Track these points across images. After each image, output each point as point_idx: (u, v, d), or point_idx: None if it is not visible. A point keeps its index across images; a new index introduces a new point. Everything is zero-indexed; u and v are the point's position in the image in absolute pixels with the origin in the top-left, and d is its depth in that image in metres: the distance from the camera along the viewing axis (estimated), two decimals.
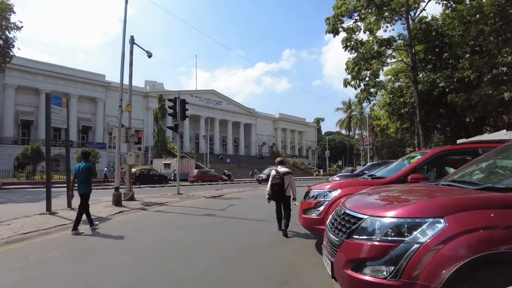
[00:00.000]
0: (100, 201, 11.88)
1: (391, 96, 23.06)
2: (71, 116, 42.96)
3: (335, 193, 4.77)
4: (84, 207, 6.80)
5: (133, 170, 33.17)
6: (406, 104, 22.14)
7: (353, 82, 17.61)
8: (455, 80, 18.95)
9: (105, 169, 33.07)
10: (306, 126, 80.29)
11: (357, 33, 17.51)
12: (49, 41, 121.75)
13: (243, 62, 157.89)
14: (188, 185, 28.62)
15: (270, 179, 6.53)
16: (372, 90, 18.70)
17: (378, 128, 62.01)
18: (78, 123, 44.41)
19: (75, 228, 6.46)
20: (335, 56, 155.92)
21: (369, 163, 15.54)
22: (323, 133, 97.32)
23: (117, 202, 10.80)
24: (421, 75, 21.21)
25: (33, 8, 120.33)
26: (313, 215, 4.82)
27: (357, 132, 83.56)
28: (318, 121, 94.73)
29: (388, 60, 22.79)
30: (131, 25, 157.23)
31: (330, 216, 3.16)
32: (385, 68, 23.64)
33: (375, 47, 17.34)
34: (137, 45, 13.67)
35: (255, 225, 7.56)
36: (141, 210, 10.13)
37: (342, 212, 2.80)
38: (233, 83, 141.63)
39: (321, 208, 4.74)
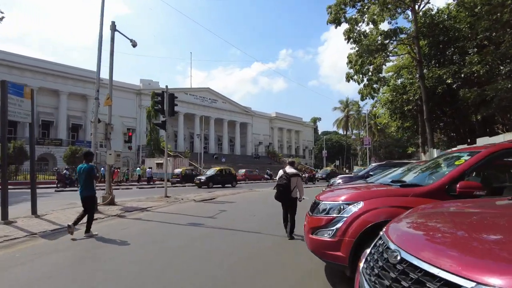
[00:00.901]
0: (76, 205, 10.56)
1: (394, 93, 21.92)
2: (60, 113, 42.10)
3: (355, 208, 3.48)
4: (90, 211, 6.55)
5: (179, 170, 33.82)
6: (410, 101, 20.99)
7: (356, 76, 16.39)
8: (462, 76, 17.76)
9: (102, 168, 31.57)
10: (303, 125, 79.14)
11: (360, 25, 16.31)
12: (48, 40, 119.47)
13: (239, 62, 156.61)
14: (180, 186, 27.31)
15: (277, 179, 6.50)
16: (375, 85, 17.48)
17: (378, 127, 61.05)
18: (68, 120, 42.90)
19: (87, 231, 6.45)
20: (331, 55, 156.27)
21: (373, 164, 14.33)
22: (319, 133, 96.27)
23: None
24: (425, 71, 20.08)
25: (33, 7, 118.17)
26: (326, 236, 3.53)
27: (354, 132, 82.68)
28: (314, 120, 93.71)
29: (391, 56, 21.70)
30: (128, 25, 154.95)
31: (367, 258, 1.90)
32: (387, 64, 22.60)
33: (379, 40, 16.13)
34: (119, 32, 12.36)
35: (247, 239, 6.27)
36: (118, 217, 8.81)
37: (397, 257, 1.54)
38: (230, 83, 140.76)
39: (336, 228, 3.45)
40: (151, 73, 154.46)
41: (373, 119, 60.45)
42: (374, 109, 24.01)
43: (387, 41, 16.15)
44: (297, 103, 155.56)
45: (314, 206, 4.06)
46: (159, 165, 37.41)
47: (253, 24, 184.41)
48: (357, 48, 15.91)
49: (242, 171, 39.49)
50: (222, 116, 58.77)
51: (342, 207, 3.59)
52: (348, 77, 16.68)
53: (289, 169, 6.46)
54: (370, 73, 16.87)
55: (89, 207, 6.52)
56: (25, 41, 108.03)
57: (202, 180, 25.92)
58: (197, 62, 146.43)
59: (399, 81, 23.38)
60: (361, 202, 3.49)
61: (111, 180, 33.56)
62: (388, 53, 17.19)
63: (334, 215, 3.58)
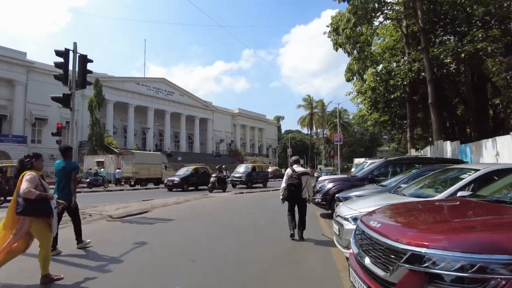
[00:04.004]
0: None
1: (377, 78, 18.59)
2: None
3: None
4: (77, 217, 5.50)
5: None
6: (396, 87, 17.75)
7: (347, 45, 12.46)
8: (463, 55, 14.63)
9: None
10: (267, 123, 75.65)
11: None
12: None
13: (201, 60, 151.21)
14: (117, 190, 22.15)
15: (286, 178, 6.17)
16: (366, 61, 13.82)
17: (352, 120, 58.84)
18: None
19: (79, 241, 5.40)
20: (292, 57, 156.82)
21: (372, 161, 10.55)
22: (283, 132, 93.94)
23: None
24: (414, 53, 17.02)
25: None
26: None
27: (319, 130, 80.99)
28: (278, 119, 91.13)
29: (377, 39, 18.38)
30: (82, 15, 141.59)
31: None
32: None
33: None
34: None
35: None
36: None
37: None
38: (192, 81, 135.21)
39: None
40: (105, 68, 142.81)
41: (337, 117, 58.71)
42: (356, 96, 20.56)
43: None
44: (259, 102, 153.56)
45: None
46: (100, 163, 31.58)
47: (216, 21, 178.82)
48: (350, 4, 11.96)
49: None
50: (179, 110, 53.25)
51: None
52: (337, 44, 12.79)
53: (298, 168, 6.23)
54: (360, 44, 13.11)
55: (74, 213, 5.46)
56: None
57: (176, 181, 20.58)
58: (157, 58, 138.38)
59: (380, 67, 20.17)
60: None
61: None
62: (385, 14, 13.53)
63: None
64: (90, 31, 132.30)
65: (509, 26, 16.02)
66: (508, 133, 8.49)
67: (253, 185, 23.50)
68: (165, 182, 22.49)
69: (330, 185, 8.70)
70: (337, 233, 4.31)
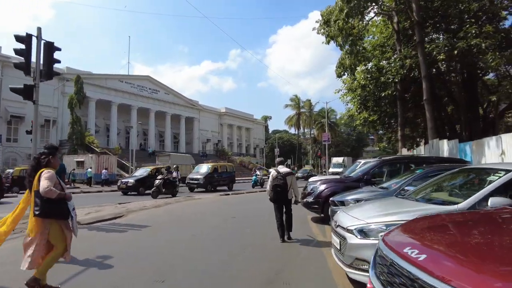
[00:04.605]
0: None
1: (368, 76, 18.05)
2: None
3: None
4: None
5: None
6: (387, 85, 17.24)
7: (339, 38, 11.80)
8: (455, 52, 14.20)
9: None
10: (254, 123, 74.81)
11: None
12: None
13: (187, 59, 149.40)
14: (93, 191, 20.94)
15: (271, 180, 6.16)
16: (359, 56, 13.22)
17: (342, 120, 58.72)
18: None
19: None
20: (278, 58, 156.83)
21: (364, 160, 9.92)
22: (270, 132, 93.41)
23: None
24: (406, 50, 16.57)
25: None
26: None
27: (306, 130, 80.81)
28: (265, 119, 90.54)
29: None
30: (67, 13, 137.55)
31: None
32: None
33: None
34: None
35: None
36: None
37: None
38: (179, 80, 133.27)
39: None
40: (90, 67, 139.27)
41: (324, 117, 58.75)
42: (344, 94, 20.01)
43: None
44: (246, 102, 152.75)
45: None
46: (80, 163, 30.17)
47: (203, 21, 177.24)
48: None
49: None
50: (164, 109, 51.82)
51: None
52: (328, 38, 12.11)
53: (282, 168, 6.25)
54: (353, 37, 12.47)
55: None
56: None
57: (129, 183, 18.17)
58: (143, 57, 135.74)
59: (370, 64, 19.68)
60: None
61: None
62: (379, 6, 12.94)
63: None
64: (74, 29, 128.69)
65: (499, 23, 15.79)
66: (499, 133, 8.02)
67: (215, 188, 20.71)
68: (118, 184, 20.01)
69: (322, 187, 7.99)
70: (338, 248, 3.55)
